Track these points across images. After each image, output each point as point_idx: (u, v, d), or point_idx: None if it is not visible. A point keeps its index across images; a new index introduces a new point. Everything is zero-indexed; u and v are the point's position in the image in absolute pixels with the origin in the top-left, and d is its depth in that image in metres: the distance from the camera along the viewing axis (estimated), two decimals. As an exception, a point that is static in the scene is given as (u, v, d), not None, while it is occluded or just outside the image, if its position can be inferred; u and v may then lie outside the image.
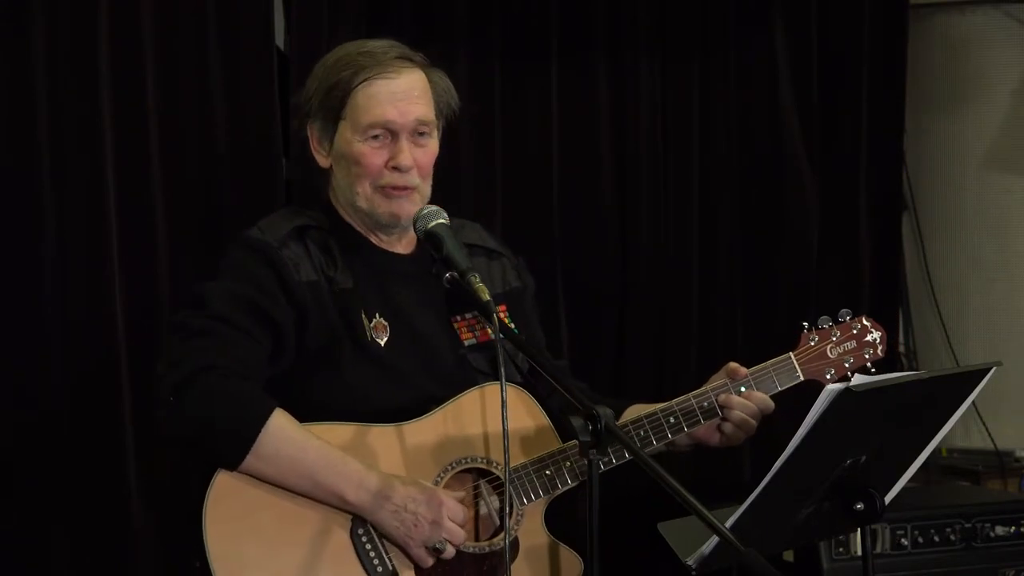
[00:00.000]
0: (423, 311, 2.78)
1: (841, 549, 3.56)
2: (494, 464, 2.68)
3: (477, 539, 2.68)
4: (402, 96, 2.72)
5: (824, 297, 4.54)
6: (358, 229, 2.80)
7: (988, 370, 2.58)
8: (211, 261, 2.79)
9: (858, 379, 2.39)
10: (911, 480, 2.70)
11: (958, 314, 4.74)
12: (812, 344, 2.86)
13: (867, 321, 2.91)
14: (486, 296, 2.51)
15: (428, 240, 2.65)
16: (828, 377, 2.85)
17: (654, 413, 2.76)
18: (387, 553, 2.59)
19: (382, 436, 2.63)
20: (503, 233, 4.08)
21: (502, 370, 2.42)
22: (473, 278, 2.54)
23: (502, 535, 2.61)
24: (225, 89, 3.69)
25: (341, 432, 2.61)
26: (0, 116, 3.46)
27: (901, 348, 4.83)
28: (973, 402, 2.65)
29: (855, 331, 2.89)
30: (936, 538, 3.65)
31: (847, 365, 2.86)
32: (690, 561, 2.42)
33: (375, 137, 2.71)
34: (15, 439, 3.48)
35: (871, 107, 4.67)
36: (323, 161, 2.79)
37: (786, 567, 3.56)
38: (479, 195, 4.11)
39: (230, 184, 3.71)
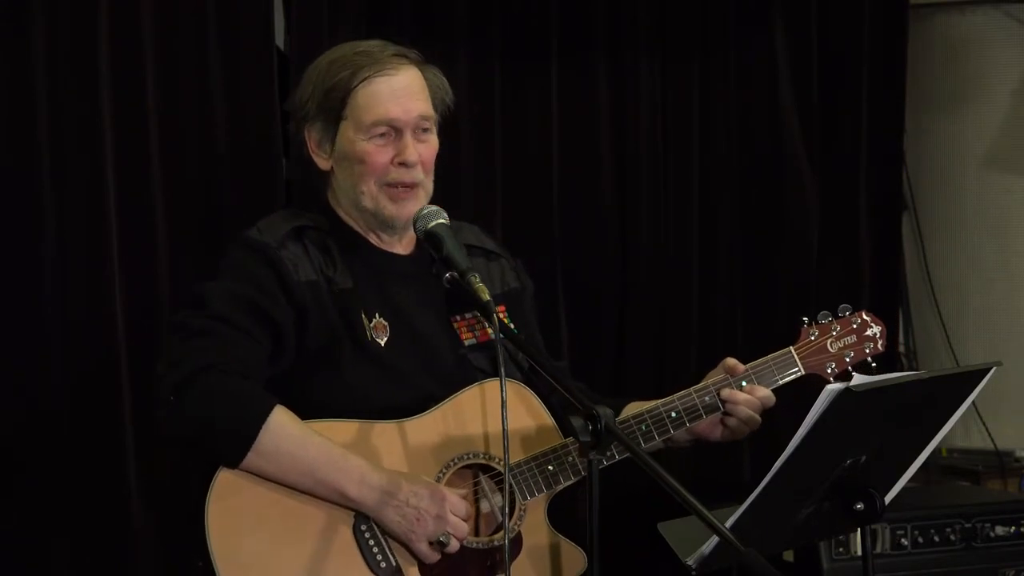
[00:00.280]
0: (423, 311, 2.79)
1: (841, 549, 3.56)
2: (495, 460, 2.69)
3: (480, 535, 2.68)
4: (403, 93, 2.73)
5: (824, 297, 4.52)
6: (357, 230, 2.80)
7: (988, 370, 2.58)
8: (211, 261, 2.79)
9: (858, 379, 2.39)
10: (911, 480, 2.70)
11: (958, 314, 4.74)
12: (812, 339, 2.86)
13: (867, 316, 2.92)
14: (486, 296, 2.52)
15: (428, 240, 2.66)
16: (829, 371, 2.86)
17: (655, 408, 2.76)
18: (390, 549, 2.59)
19: (383, 433, 2.64)
20: (503, 233, 4.09)
21: (502, 370, 2.43)
22: (473, 278, 2.55)
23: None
24: (225, 89, 3.69)
25: (342, 429, 2.61)
26: (0, 116, 3.46)
27: (901, 348, 4.83)
28: (973, 402, 2.65)
29: (855, 325, 2.90)
30: (936, 538, 3.65)
31: (848, 359, 2.87)
32: (690, 561, 2.42)
33: (380, 135, 2.72)
34: (15, 439, 3.48)
35: (871, 107, 4.67)
36: (323, 163, 2.79)
37: (786, 567, 3.56)
38: (479, 195, 4.11)
39: (230, 184, 3.71)
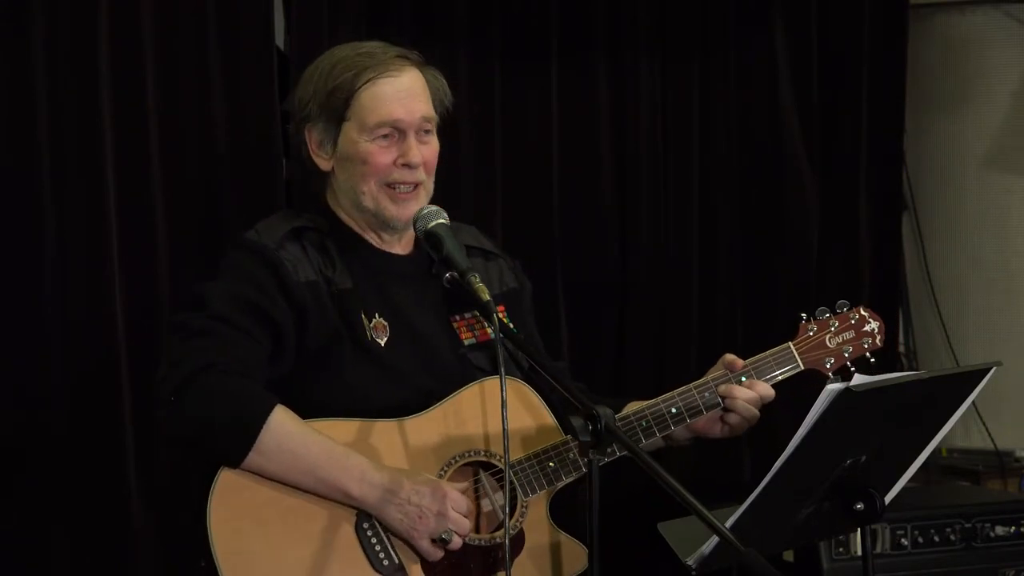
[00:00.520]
0: (422, 311, 2.79)
1: (841, 549, 3.56)
2: (496, 457, 2.69)
3: (481, 533, 2.68)
4: (406, 94, 2.74)
5: (824, 297, 4.46)
6: (356, 230, 2.81)
7: (988, 370, 2.58)
8: (211, 261, 2.79)
9: (858, 379, 2.39)
10: (911, 480, 2.71)
11: (958, 314, 4.74)
12: (811, 334, 2.88)
13: (865, 311, 2.94)
14: (486, 296, 2.52)
15: (428, 240, 2.67)
16: (827, 366, 2.87)
17: (656, 404, 2.77)
18: (393, 547, 2.59)
19: (384, 432, 2.64)
20: (503, 233, 4.09)
21: (502, 369, 2.43)
22: (473, 278, 2.56)
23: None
24: (225, 89, 3.69)
25: (342, 429, 2.62)
26: (0, 116, 3.46)
27: (901, 348, 4.83)
28: (973, 402, 2.65)
29: (853, 321, 2.92)
30: (936, 538, 3.65)
31: (846, 355, 2.89)
32: (690, 561, 2.42)
33: (383, 136, 2.73)
34: (15, 439, 3.48)
35: (871, 107, 4.67)
36: (324, 164, 2.80)
37: (786, 567, 3.56)
38: (479, 195, 4.11)
39: (230, 184, 3.71)
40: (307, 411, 2.60)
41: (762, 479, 2.38)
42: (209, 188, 3.70)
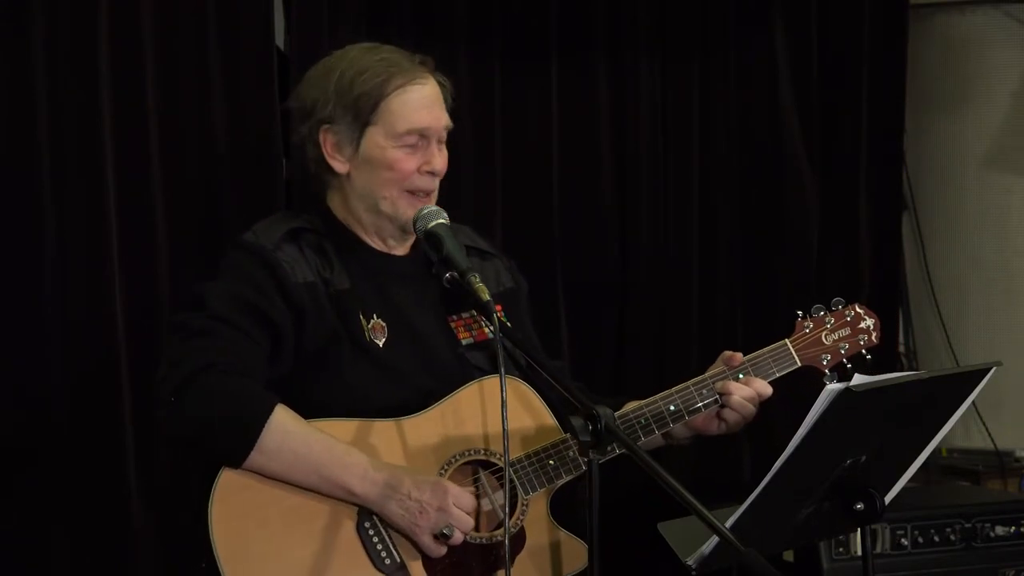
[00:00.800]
0: (421, 311, 2.79)
1: (841, 549, 3.56)
2: (495, 456, 2.69)
3: (482, 531, 2.68)
4: (432, 102, 2.78)
5: (824, 297, 4.48)
6: (357, 232, 2.81)
7: (988, 370, 2.58)
8: (211, 261, 2.80)
9: (858, 379, 2.39)
10: (911, 480, 2.71)
11: (958, 314, 4.74)
12: (807, 331, 2.90)
13: (860, 308, 2.97)
14: (486, 296, 2.54)
15: (428, 240, 2.68)
16: (824, 363, 2.90)
17: (654, 402, 2.78)
18: (394, 545, 2.60)
19: (383, 432, 2.64)
20: (503, 233, 4.09)
21: (502, 369, 2.43)
22: (473, 278, 2.57)
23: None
24: (225, 89, 3.69)
25: (342, 428, 2.62)
26: (0, 116, 3.46)
27: (901, 348, 4.83)
28: (973, 402, 2.65)
29: (849, 318, 2.94)
30: (936, 538, 3.65)
31: (842, 351, 2.91)
32: (690, 561, 2.42)
33: (410, 144, 2.75)
34: (15, 439, 3.48)
35: (871, 107, 4.67)
36: (340, 167, 2.80)
37: (786, 567, 3.56)
38: (479, 195, 4.10)
39: (230, 184, 3.71)
40: (307, 411, 2.60)
41: (762, 479, 2.38)
42: (209, 188, 3.70)
